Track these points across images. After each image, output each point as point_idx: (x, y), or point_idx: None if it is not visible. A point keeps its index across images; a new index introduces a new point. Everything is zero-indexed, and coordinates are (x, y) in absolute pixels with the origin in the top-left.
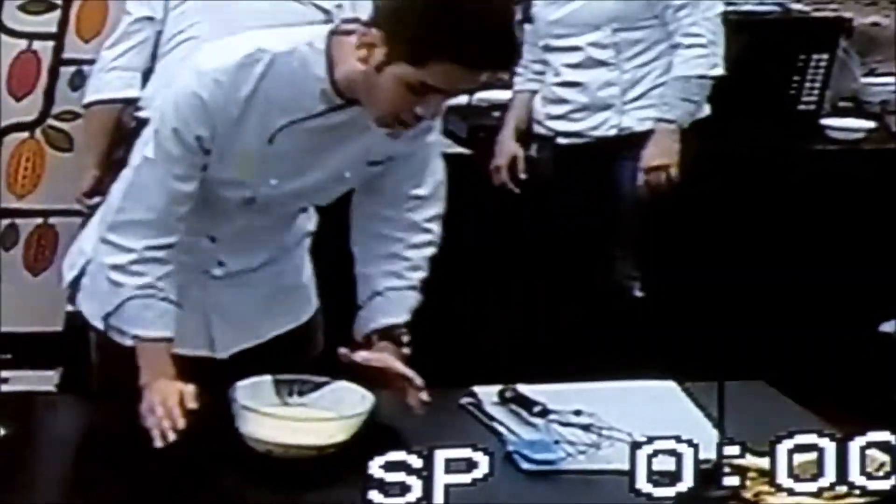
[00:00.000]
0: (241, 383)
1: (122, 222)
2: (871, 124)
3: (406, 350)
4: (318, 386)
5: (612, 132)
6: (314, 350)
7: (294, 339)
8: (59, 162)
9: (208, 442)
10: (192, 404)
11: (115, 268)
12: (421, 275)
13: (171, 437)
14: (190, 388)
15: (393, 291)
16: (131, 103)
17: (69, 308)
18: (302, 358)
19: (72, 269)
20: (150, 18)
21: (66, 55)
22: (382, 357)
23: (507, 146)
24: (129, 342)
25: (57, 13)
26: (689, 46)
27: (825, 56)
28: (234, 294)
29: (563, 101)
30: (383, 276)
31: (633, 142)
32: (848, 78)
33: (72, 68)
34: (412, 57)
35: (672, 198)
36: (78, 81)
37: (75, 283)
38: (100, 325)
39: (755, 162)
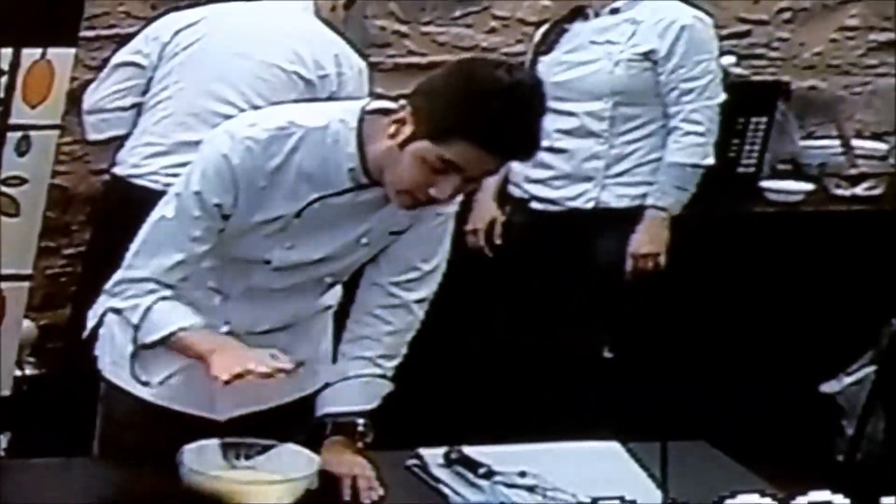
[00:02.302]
0: (188, 447)
1: (128, 278)
2: (809, 186)
3: (363, 443)
4: (265, 449)
5: (590, 205)
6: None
7: (298, 410)
8: (7, 228)
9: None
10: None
11: (125, 298)
12: (394, 363)
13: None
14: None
15: (363, 378)
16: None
17: (18, 373)
18: (303, 429)
19: (92, 320)
20: (140, 66)
21: (13, 121)
22: (331, 462)
23: (487, 208)
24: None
25: (3, 79)
26: (688, 133)
27: (764, 119)
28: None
29: (546, 166)
30: (357, 360)
31: (608, 217)
32: (786, 141)
33: (18, 134)
34: (435, 132)
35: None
36: (24, 147)
37: (93, 334)
38: (115, 373)
39: (696, 224)
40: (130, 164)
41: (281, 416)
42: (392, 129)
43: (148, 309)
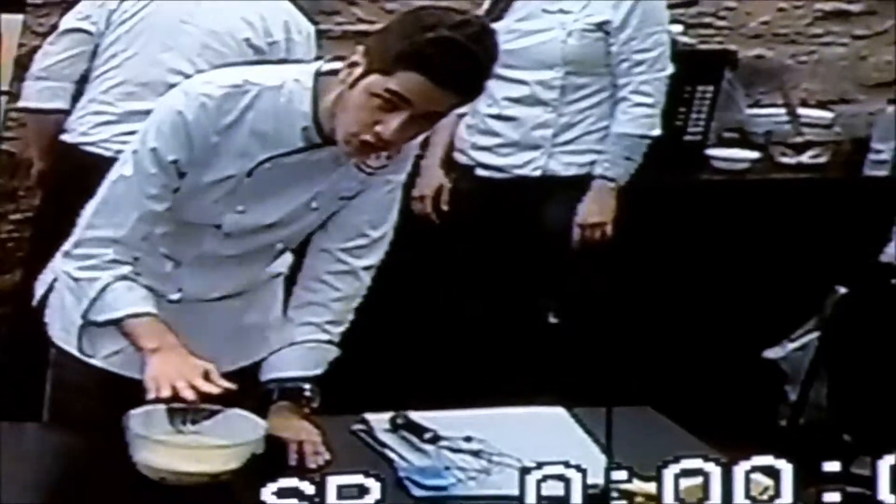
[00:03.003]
0: (134, 411)
1: (89, 238)
2: (755, 154)
3: (309, 408)
4: (211, 414)
5: (537, 173)
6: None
7: (248, 377)
8: None
9: (101, 469)
10: (216, 384)
11: (85, 269)
12: (341, 329)
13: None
14: (210, 365)
15: (310, 343)
16: (61, 114)
17: None
18: (253, 395)
19: (42, 287)
20: (87, 32)
21: None
22: (278, 427)
23: (434, 175)
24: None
25: None
26: (637, 105)
27: (710, 88)
28: (188, 323)
29: (493, 133)
30: (305, 326)
31: (555, 185)
32: (733, 109)
33: None
34: (382, 65)
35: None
36: None
37: (43, 301)
38: (65, 339)
39: (643, 192)
40: (80, 132)
41: (232, 383)
42: (344, 73)
43: (105, 287)
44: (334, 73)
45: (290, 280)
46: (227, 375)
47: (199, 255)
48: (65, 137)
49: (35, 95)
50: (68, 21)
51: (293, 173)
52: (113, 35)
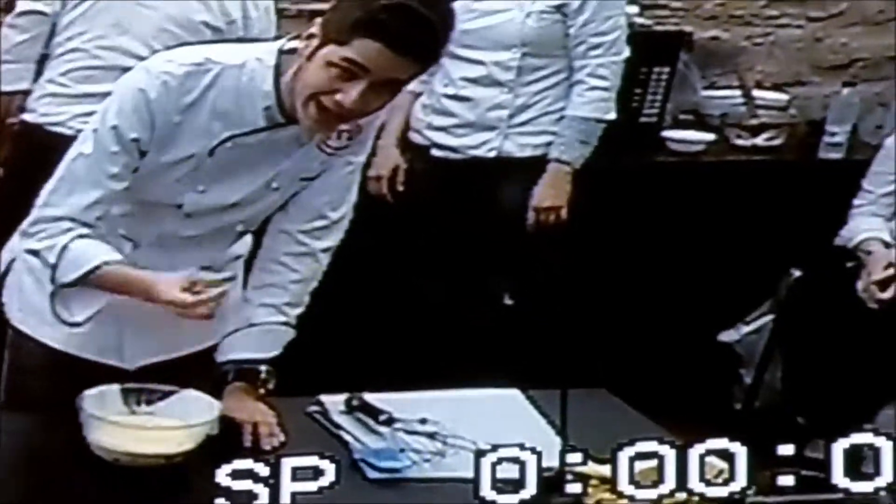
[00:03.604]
0: (88, 392)
1: (45, 216)
2: (711, 136)
3: (265, 390)
4: (165, 395)
5: (492, 154)
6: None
7: (206, 358)
8: None
9: (55, 450)
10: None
11: (42, 239)
12: (298, 311)
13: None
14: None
15: (268, 326)
16: (24, 94)
17: None
18: (210, 377)
19: None
20: (43, 13)
21: None
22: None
23: (391, 155)
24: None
25: None
26: (593, 88)
27: (666, 69)
28: (147, 305)
29: (449, 113)
30: (263, 308)
31: (510, 166)
32: (688, 91)
33: None
34: (338, 35)
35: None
36: None
37: (0, 281)
38: (22, 320)
39: (598, 173)
40: (40, 112)
41: (190, 365)
42: (302, 46)
43: (64, 248)
44: (295, 50)
45: (249, 261)
46: (186, 358)
47: (159, 236)
48: (26, 117)
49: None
50: (25, 2)
51: (255, 153)
52: (69, 16)
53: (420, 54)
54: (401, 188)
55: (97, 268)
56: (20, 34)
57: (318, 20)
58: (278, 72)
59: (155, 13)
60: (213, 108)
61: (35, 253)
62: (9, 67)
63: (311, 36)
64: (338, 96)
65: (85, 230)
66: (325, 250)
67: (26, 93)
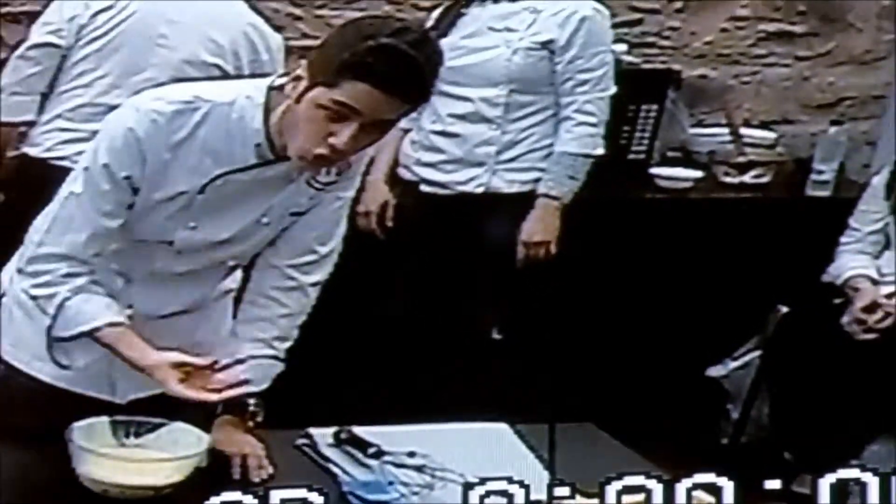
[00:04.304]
0: (77, 424)
1: (42, 255)
2: (698, 174)
3: (254, 422)
4: (154, 427)
5: (480, 190)
6: (212, 407)
7: None
8: None
9: (44, 482)
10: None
11: (40, 286)
12: (287, 345)
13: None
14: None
15: (258, 360)
16: (28, 125)
17: None
18: (200, 411)
19: None
20: (57, 46)
21: None
22: (222, 441)
23: (379, 191)
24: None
25: None
26: (580, 124)
27: (655, 107)
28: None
29: (437, 149)
30: (252, 342)
31: (498, 202)
32: (676, 128)
33: None
34: (326, 77)
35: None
36: None
37: None
38: (13, 354)
39: (587, 209)
40: (45, 147)
41: (179, 399)
42: (289, 87)
43: (62, 304)
44: (284, 87)
45: (238, 295)
46: None
47: (151, 272)
48: (30, 150)
49: (6, 109)
50: (38, 34)
51: (245, 189)
52: (82, 52)
53: (409, 93)
54: (390, 224)
55: (98, 328)
56: (32, 66)
57: (304, 62)
58: (267, 109)
59: (171, 54)
60: (204, 146)
61: (32, 297)
62: (16, 99)
63: (297, 77)
64: (331, 140)
65: (82, 270)
66: (314, 284)
67: (30, 124)
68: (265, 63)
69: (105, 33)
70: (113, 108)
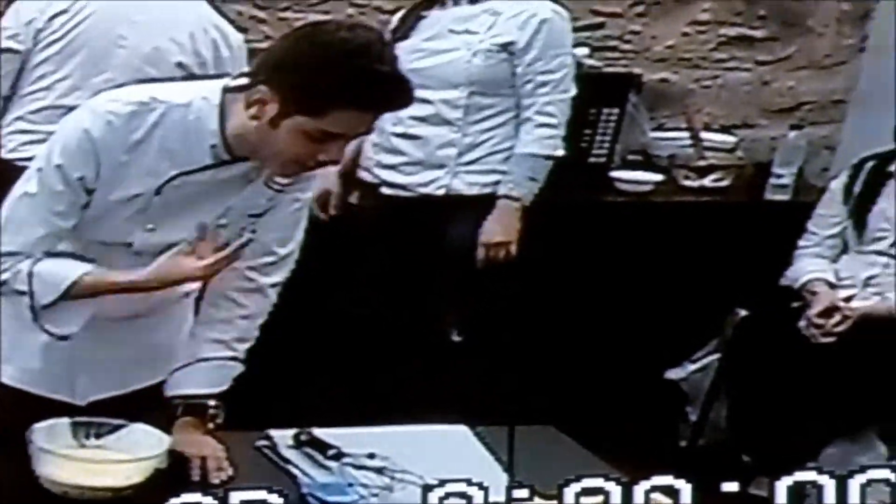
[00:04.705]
0: (37, 425)
1: None
2: (659, 177)
3: (213, 424)
4: (115, 428)
5: (441, 192)
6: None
7: (156, 394)
8: None
9: (5, 484)
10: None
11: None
12: (247, 346)
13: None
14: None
15: (217, 361)
16: None
17: None
18: (161, 412)
19: None
20: (16, 51)
21: None
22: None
23: (327, 179)
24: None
25: None
26: (541, 125)
27: (616, 110)
28: (99, 341)
29: (398, 152)
30: (212, 343)
31: (459, 204)
32: (637, 132)
33: None
34: (310, 108)
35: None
36: None
37: None
38: None
39: (548, 212)
40: (8, 148)
41: (140, 400)
42: (253, 109)
43: (31, 273)
44: (241, 88)
45: (199, 296)
46: (136, 394)
47: None
48: None
49: None
50: None
51: (202, 191)
52: (41, 55)
53: (399, 106)
54: (333, 211)
55: (76, 282)
56: None
57: (263, 86)
58: (223, 110)
59: (131, 54)
60: (161, 147)
61: (2, 283)
62: None
63: (261, 101)
64: (321, 156)
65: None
66: (273, 286)
67: None
68: (226, 61)
69: (63, 36)
70: (73, 108)
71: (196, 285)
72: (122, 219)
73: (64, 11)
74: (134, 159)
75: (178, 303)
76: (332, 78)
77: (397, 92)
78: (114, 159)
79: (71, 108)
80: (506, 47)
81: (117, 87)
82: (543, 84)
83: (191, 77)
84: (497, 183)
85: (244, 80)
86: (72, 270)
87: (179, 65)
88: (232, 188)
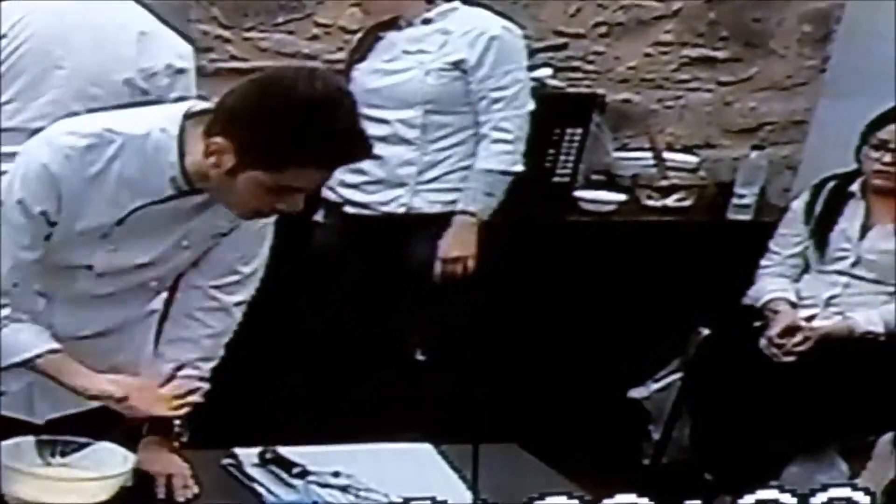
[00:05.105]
0: (4, 443)
1: None
2: (622, 197)
3: (178, 443)
4: (81, 447)
5: (402, 210)
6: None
7: (116, 412)
8: None
9: None
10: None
11: None
12: (212, 364)
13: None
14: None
15: (180, 381)
16: None
17: None
18: (120, 430)
19: None
20: None
21: None
22: (147, 461)
23: None
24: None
25: None
26: (496, 141)
27: (579, 130)
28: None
29: (360, 171)
30: (176, 363)
31: (420, 221)
32: (601, 152)
33: None
34: (268, 164)
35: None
36: None
37: None
38: None
39: (512, 231)
40: None
41: (99, 418)
42: (213, 159)
43: None
44: (202, 113)
45: (163, 315)
46: (95, 412)
47: (72, 294)
48: None
49: None
50: None
51: (164, 217)
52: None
53: (357, 160)
54: None
55: (37, 356)
56: None
57: (220, 137)
58: (181, 140)
59: (72, 74)
60: (119, 179)
61: None
62: None
63: (219, 151)
64: (279, 206)
65: (5, 301)
66: (238, 304)
67: None
68: (178, 73)
69: (5, 60)
70: (19, 131)
71: (159, 304)
72: (84, 244)
73: (3, 36)
74: (94, 191)
75: (140, 322)
76: (291, 136)
77: (355, 148)
78: (74, 192)
79: (16, 130)
80: (457, 65)
81: (71, 115)
82: (497, 101)
83: (141, 94)
84: (458, 201)
85: (203, 106)
86: (35, 346)
87: (127, 82)
88: (194, 213)
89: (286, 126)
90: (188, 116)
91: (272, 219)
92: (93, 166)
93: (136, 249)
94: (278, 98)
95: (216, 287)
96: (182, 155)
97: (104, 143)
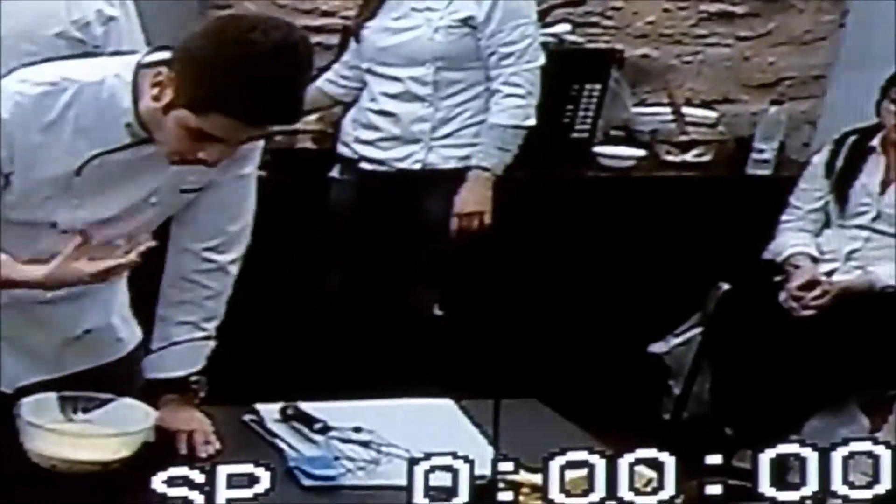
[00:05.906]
0: (25, 399)
1: None
2: (641, 152)
3: (196, 398)
4: (102, 403)
5: (417, 166)
6: (126, 387)
7: (100, 377)
8: None
9: None
10: None
11: None
12: (216, 322)
13: None
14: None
15: (190, 343)
16: None
17: None
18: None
19: None
20: None
21: None
22: (168, 418)
23: None
24: None
25: None
26: (508, 96)
27: (598, 86)
28: (26, 326)
29: (375, 127)
30: (182, 325)
31: (435, 177)
32: (619, 107)
33: None
34: (192, 103)
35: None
36: None
37: None
38: None
39: (531, 188)
40: None
41: (76, 385)
42: (155, 91)
43: None
44: (155, 64)
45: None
46: (71, 378)
47: (35, 255)
48: None
49: None
50: None
51: (125, 168)
52: None
53: (278, 124)
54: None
55: None
56: None
57: (169, 70)
58: (136, 88)
59: (6, 34)
60: (75, 127)
61: None
62: None
63: (162, 84)
64: (200, 154)
65: None
66: (232, 262)
67: None
68: (115, 18)
69: None
70: None
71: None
72: (44, 198)
73: None
74: (49, 140)
75: (107, 286)
76: (219, 82)
77: (279, 110)
78: (27, 140)
79: None
80: (466, 22)
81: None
82: (507, 55)
83: (79, 44)
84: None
85: (158, 55)
86: None
87: (60, 34)
88: (156, 166)
89: (219, 70)
90: (144, 65)
91: (254, 173)
92: (47, 114)
93: (99, 204)
94: (225, 42)
95: (208, 249)
96: (136, 102)
97: (58, 90)
